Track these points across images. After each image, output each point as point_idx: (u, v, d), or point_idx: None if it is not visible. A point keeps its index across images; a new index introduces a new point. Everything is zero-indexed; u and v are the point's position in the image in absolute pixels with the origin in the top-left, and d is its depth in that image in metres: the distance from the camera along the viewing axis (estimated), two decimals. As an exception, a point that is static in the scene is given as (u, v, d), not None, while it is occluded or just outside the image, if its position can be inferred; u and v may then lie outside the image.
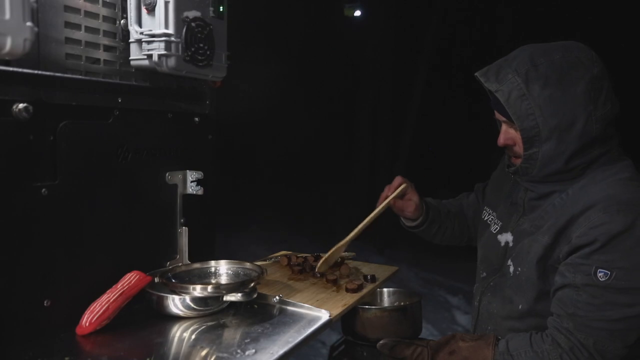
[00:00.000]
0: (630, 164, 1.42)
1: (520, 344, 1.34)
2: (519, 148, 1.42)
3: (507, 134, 1.45)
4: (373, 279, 1.70)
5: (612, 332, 1.27)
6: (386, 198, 1.74)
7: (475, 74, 1.44)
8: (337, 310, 1.45)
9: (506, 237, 1.54)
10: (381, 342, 1.45)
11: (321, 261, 1.74)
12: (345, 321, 1.59)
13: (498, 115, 1.45)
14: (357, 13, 7.87)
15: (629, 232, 1.25)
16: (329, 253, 1.76)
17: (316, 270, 1.73)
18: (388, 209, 1.76)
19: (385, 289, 1.79)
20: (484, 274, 1.63)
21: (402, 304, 1.70)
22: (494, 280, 1.57)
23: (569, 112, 1.33)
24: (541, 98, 1.33)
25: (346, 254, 1.99)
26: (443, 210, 1.86)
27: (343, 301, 1.52)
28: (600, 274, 1.26)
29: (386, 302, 1.78)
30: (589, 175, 1.39)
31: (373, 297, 1.73)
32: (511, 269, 1.49)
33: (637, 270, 1.25)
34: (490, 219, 1.65)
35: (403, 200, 1.77)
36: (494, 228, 1.61)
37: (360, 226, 1.73)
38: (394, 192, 1.74)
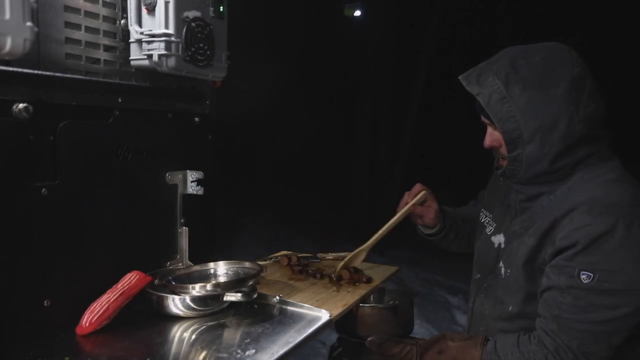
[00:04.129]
0: (619, 164, 1.42)
1: (508, 344, 1.35)
2: (504, 150, 1.42)
3: (492, 136, 1.46)
4: (368, 280, 1.69)
5: (596, 334, 1.27)
6: (406, 204, 1.74)
7: (459, 77, 1.44)
8: (337, 310, 1.45)
9: (499, 239, 1.55)
10: (369, 338, 1.44)
11: (340, 265, 1.73)
12: (338, 318, 1.59)
13: (482, 118, 1.46)
14: (357, 13, 7.87)
15: (611, 234, 1.25)
16: (349, 257, 1.76)
17: (336, 274, 1.72)
18: (407, 216, 1.76)
19: (381, 288, 1.80)
20: (478, 275, 1.63)
21: (395, 302, 1.71)
22: (487, 282, 1.57)
23: (550, 114, 1.33)
24: (521, 100, 1.34)
25: (346, 253, 1.99)
26: (459, 218, 1.86)
27: (343, 301, 1.52)
28: (583, 276, 1.26)
29: (380, 300, 1.79)
30: (577, 176, 1.39)
31: (368, 295, 1.74)
32: (502, 270, 1.49)
33: (620, 272, 1.24)
34: (486, 220, 1.66)
35: (423, 207, 1.76)
36: (489, 229, 1.62)
37: (380, 232, 1.74)
38: (414, 198, 1.74)
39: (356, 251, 1.77)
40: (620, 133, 1.44)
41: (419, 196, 1.74)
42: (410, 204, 1.74)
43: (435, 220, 1.77)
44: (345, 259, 1.75)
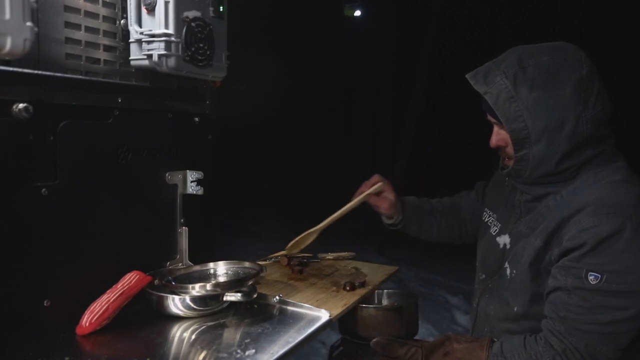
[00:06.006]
0: (624, 165, 1.42)
1: (514, 346, 1.34)
2: (511, 149, 1.42)
3: (499, 135, 1.46)
4: (363, 284, 1.67)
5: (603, 336, 1.26)
6: (362, 193, 1.80)
7: (466, 75, 1.44)
8: (337, 310, 1.45)
9: (504, 239, 1.55)
10: (375, 340, 1.44)
11: (290, 243, 1.80)
12: (341, 319, 1.59)
13: (489, 117, 1.46)
14: (357, 13, 7.88)
15: (618, 235, 1.25)
16: (300, 237, 1.81)
17: (285, 249, 1.79)
18: (365, 204, 1.82)
19: (384, 290, 1.80)
20: (483, 275, 1.63)
21: (400, 304, 1.71)
22: (492, 283, 1.57)
23: (557, 114, 1.33)
24: (529, 100, 1.34)
25: (346, 253, 2.00)
26: (426, 209, 1.89)
27: (343, 301, 1.52)
28: (590, 277, 1.26)
29: (384, 302, 1.79)
30: (582, 177, 1.39)
31: (371, 297, 1.74)
32: (507, 271, 1.49)
33: (628, 273, 1.25)
34: (490, 220, 1.65)
35: (378, 197, 1.82)
36: (494, 230, 1.61)
37: (333, 216, 1.80)
38: (370, 188, 1.79)
39: (306, 233, 1.81)
40: (625, 133, 1.43)
41: (375, 187, 1.80)
42: (365, 193, 1.80)
43: (390, 210, 1.83)
44: (295, 240, 1.81)
